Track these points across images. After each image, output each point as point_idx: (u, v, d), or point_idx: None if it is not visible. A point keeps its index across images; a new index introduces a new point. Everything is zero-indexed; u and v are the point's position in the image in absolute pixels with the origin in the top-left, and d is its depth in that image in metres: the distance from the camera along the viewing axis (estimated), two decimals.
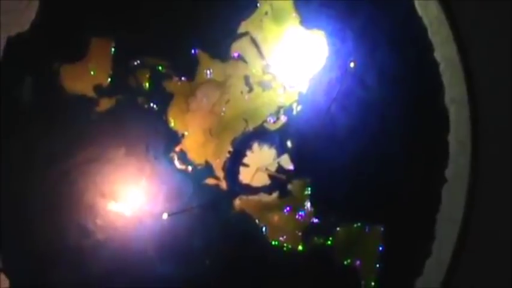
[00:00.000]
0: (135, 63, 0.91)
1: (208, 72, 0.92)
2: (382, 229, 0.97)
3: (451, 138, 0.96)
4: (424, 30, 0.96)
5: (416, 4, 0.95)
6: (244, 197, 0.94)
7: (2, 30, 0.84)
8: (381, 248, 0.97)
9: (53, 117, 0.88)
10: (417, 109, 0.96)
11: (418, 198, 0.97)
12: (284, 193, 0.95)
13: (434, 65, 0.96)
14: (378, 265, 0.97)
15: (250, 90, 0.93)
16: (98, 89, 0.90)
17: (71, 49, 0.88)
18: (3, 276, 0.87)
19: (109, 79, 0.90)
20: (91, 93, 0.89)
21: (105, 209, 0.89)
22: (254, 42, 0.93)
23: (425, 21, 0.95)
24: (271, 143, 0.94)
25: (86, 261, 0.89)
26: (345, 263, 0.96)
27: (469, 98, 0.96)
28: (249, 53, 0.93)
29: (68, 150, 0.89)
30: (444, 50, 0.96)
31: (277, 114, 0.94)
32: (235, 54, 0.92)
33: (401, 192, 0.97)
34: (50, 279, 0.88)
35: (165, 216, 0.90)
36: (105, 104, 0.90)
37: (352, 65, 0.92)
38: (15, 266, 0.88)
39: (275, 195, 0.94)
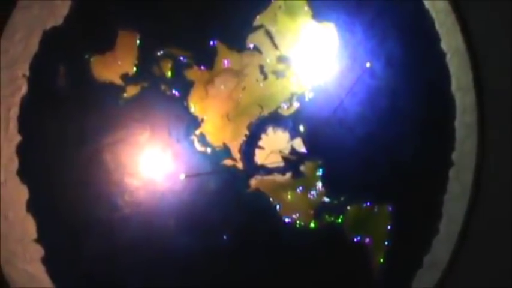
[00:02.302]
0: (159, 53, 0.97)
1: (225, 61, 0.98)
2: (390, 208, 1.02)
3: (458, 123, 1.02)
4: (431, 21, 1.01)
5: None
6: (259, 177, 1.00)
7: (39, 24, 0.93)
8: (389, 227, 1.03)
9: (85, 102, 0.95)
10: (425, 96, 1.02)
11: (426, 179, 1.03)
12: (297, 174, 1.01)
13: (441, 54, 1.01)
14: (386, 243, 1.03)
15: (265, 78, 0.99)
16: (124, 77, 0.97)
17: (100, 41, 0.95)
18: (38, 246, 0.95)
19: (135, 68, 0.97)
20: (118, 81, 0.97)
21: (131, 186, 0.96)
22: (268, 34, 0.99)
23: (432, 13, 1.01)
24: (285, 127, 1.01)
25: (114, 233, 0.96)
26: (355, 240, 1.03)
27: (474, 85, 1.01)
28: (264, 44, 0.99)
29: (98, 131, 0.95)
30: (450, 40, 1.01)
31: (290, 100, 1.00)
32: (251, 46, 0.98)
33: (409, 173, 1.03)
34: (81, 249, 0.96)
35: (182, 176, 0.96)
36: (131, 91, 0.97)
37: (368, 65, 0.99)
38: (49, 236, 0.95)
39: (288, 175, 1.01)
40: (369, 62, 0.99)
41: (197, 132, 0.99)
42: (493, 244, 1.03)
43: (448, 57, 1.02)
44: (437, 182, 1.03)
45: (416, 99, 1.02)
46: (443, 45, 1.01)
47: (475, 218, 1.03)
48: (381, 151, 1.02)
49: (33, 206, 0.94)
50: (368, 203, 1.02)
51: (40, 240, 0.95)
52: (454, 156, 1.03)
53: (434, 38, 1.02)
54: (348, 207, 1.02)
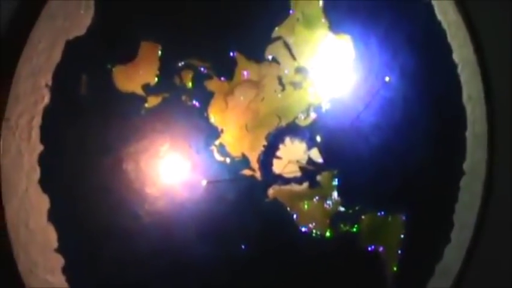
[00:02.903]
0: (180, 64, 0.99)
1: (245, 73, 1.00)
2: (404, 218, 1.06)
3: (469, 133, 1.05)
4: (443, 33, 1.05)
5: (436, 9, 1.04)
6: (277, 187, 1.02)
7: (62, 34, 0.94)
8: (402, 236, 1.06)
9: (108, 112, 0.96)
10: (437, 107, 1.05)
11: (438, 189, 1.06)
12: (314, 183, 1.03)
13: (453, 65, 1.05)
14: (400, 251, 1.06)
15: (283, 89, 1.01)
16: (146, 87, 0.98)
17: (123, 52, 0.97)
18: (59, 256, 0.95)
19: (156, 79, 0.98)
20: (140, 92, 0.98)
21: (151, 195, 0.98)
22: (286, 45, 1.01)
23: (444, 25, 1.04)
24: (302, 138, 1.03)
25: (134, 242, 0.97)
26: (369, 249, 1.05)
27: (484, 95, 1.05)
28: (282, 55, 1.01)
29: (120, 141, 0.96)
30: (462, 52, 1.05)
31: (307, 111, 1.02)
32: (270, 57, 1.00)
33: (422, 183, 1.06)
34: (101, 258, 0.97)
35: (204, 183, 0.98)
36: (152, 101, 0.98)
37: (387, 79, 1.02)
38: (69, 246, 0.96)
39: (305, 185, 1.03)
40: (388, 76, 1.01)
41: (216, 142, 1.00)
42: (503, 252, 1.07)
43: (459, 68, 1.05)
44: (448, 191, 1.06)
45: (429, 110, 1.05)
46: (455, 57, 1.05)
47: (486, 226, 1.06)
48: (394, 161, 1.05)
49: (54, 215, 0.94)
50: (382, 213, 1.05)
51: (60, 249, 0.95)
52: (465, 166, 1.06)
53: (446, 50, 1.05)
54: (363, 217, 1.05)
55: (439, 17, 1.04)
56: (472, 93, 1.06)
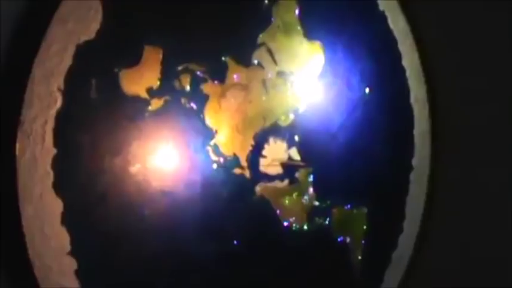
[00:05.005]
0: (179, 68, 1.05)
1: (235, 76, 1.08)
2: (366, 210, 1.18)
3: (416, 131, 1.19)
4: (395, 41, 1.18)
5: (389, 19, 1.17)
6: (263, 184, 1.11)
7: (73, 38, 0.99)
8: (365, 227, 1.18)
9: (116, 115, 1.01)
10: (391, 108, 1.18)
11: (392, 183, 1.19)
12: (293, 180, 1.13)
13: (403, 70, 1.18)
14: (363, 241, 1.18)
15: (267, 92, 1.10)
16: (149, 91, 1.04)
17: (128, 56, 1.02)
18: (72, 259, 0.99)
19: (158, 82, 1.04)
20: (144, 95, 1.03)
21: (156, 195, 1.03)
22: (269, 51, 1.10)
23: (395, 33, 1.17)
24: (283, 137, 1.13)
25: (142, 242, 1.02)
26: (339, 240, 1.17)
27: (428, 97, 1.19)
28: (266, 60, 1.09)
29: (128, 143, 1.01)
30: (409, 58, 1.18)
31: (287, 113, 1.11)
32: (255, 61, 1.09)
33: (380, 178, 1.18)
34: (113, 260, 1.01)
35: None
36: (155, 104, 1.04)
37: (367, 90, 1.15)
38: (82, 249, 0.99)
39: (286, 182, 1.13)
40: (368, 88, 1.15)
41: (212, 143, 1.06)
42: (449, 239, 1.21)
43: (408, 72, 1.18)
44: (401, 185, 1.19)
45: (384, 110, 1.17)
46: (404, 63, 1.18)
47: (433, 216, 1.20)
48: (357, 158, 1.16)
49: (67, 219, 0.97)
50: (349, 206, 1.16)
51: (73, 252, 0.99)
52: (414, 161, 1.20)
53: (397, 56, 1.18)
54: (333, 210, 1.15)
55: (392, 26, 1.17)
56: (418, 95, 1.19)
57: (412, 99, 1.18)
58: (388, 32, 1.17)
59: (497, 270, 1.18)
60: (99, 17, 0.98)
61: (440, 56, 1.17)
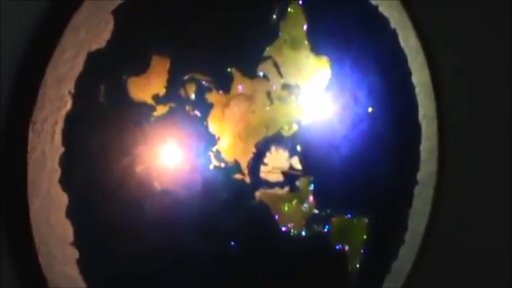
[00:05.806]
0: (185, 77, 1.13)
1: (240, 87, 1.15)
2: (367, 220, 1.25)
3: (423, 147, 1.25)
4: (405, 58, 1.24)
5: (400, 37, 1.23)
6: (262, 190, 1.18)
7: (85, 46, 1.08)
8: (365, 236, 1.24)
9: (122, 118, 1.09)
10: (397, 123, 1.23)
11: (396, 196, 1.25)
12: (293, 188, 1.20)
13: (412, 87, 1.24)
14: (362, 250, 1.24)
15: (271, 103, 1.17)
16: (155, 97, 1.12)
17: (137, 65, 1.10)
18: (74, 249, 1.08)
19: (164, 90, 1.12)
20: (150, 101, 1.11)
21: (158, 193, 1.11)
22: (275, 64, 1.16)
23: (406, 50, 1.24)
24: (285, 147, 1.20)
25: (142, 236, 1.11)
26: (337, 247, 1.23)
27: (437, 114, 1.26)
28: (271, 72, 1.15)
29: (133, 145, 1.09)
30: (419, 75, 1.25)
31: (290, 123, 1.19)
32: (261, 73, 1.15)
33: (383, 190, 1.24)
34: (113, 252, 1.10)
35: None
36: (160, 110, 1.11)
37: (370, 110, 1.21)
38: (84, 240, 1.08)
39: (286, 189, 1.20)
40: (371, 107, 1.21)
41: (214, 149, 1.12)
42: (451, 251, 1.26)
43: (417, 90, 1.24)
44: (404, 198, 1.26)
45: (390, 125, 1.23)
46: (413, 79, 1.24)
47: (436, 230, 1.26)
48: (361, 170, 1.22)
49: (72, 212, 1.06)
50: (349, 215, 1.23)
51: (76, 243, 1.07)
52: (419, 176, 1.26)
53: (407, 73, 1.24)
54: (333, 219, 1.22)
55: (402, 43, 1.23)
56: (427, 112, 1.25)
57: (421, 116, 1.24)
58: (398, 49, 1.23)
59: (499, 284, 1.23)
60: (110, 27, 1.06)
61: (451, 74, 1.23)
